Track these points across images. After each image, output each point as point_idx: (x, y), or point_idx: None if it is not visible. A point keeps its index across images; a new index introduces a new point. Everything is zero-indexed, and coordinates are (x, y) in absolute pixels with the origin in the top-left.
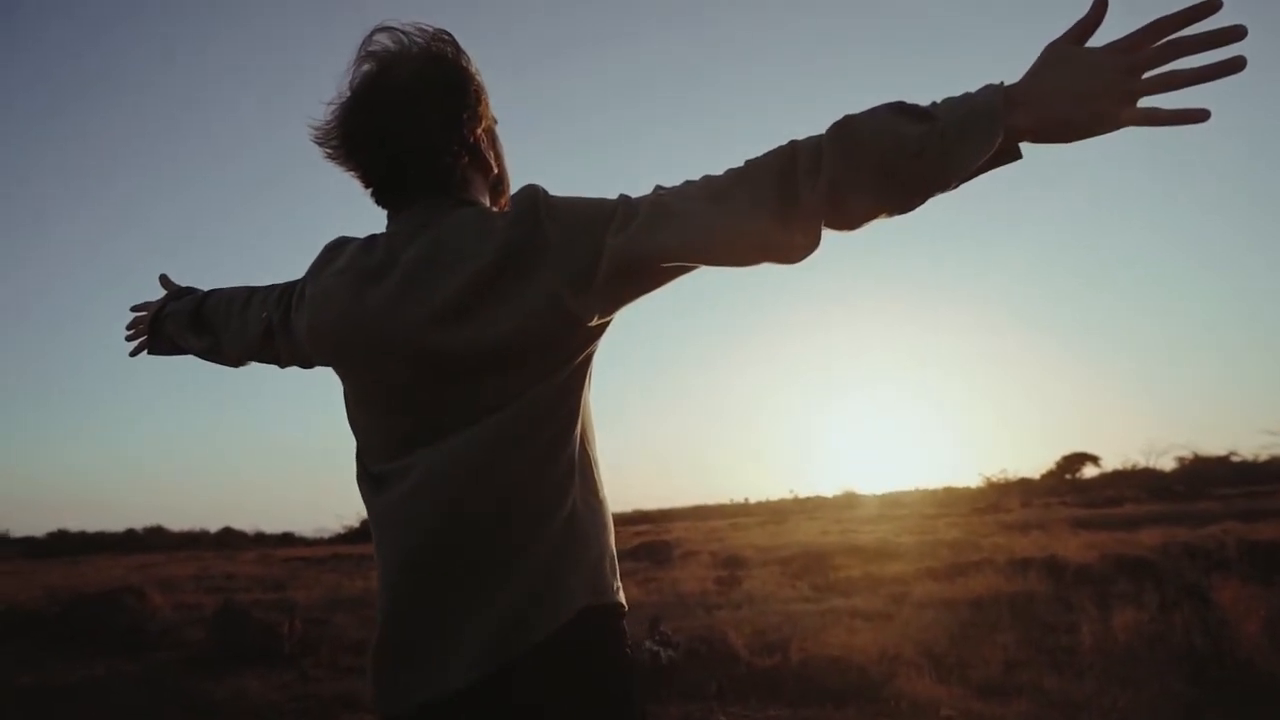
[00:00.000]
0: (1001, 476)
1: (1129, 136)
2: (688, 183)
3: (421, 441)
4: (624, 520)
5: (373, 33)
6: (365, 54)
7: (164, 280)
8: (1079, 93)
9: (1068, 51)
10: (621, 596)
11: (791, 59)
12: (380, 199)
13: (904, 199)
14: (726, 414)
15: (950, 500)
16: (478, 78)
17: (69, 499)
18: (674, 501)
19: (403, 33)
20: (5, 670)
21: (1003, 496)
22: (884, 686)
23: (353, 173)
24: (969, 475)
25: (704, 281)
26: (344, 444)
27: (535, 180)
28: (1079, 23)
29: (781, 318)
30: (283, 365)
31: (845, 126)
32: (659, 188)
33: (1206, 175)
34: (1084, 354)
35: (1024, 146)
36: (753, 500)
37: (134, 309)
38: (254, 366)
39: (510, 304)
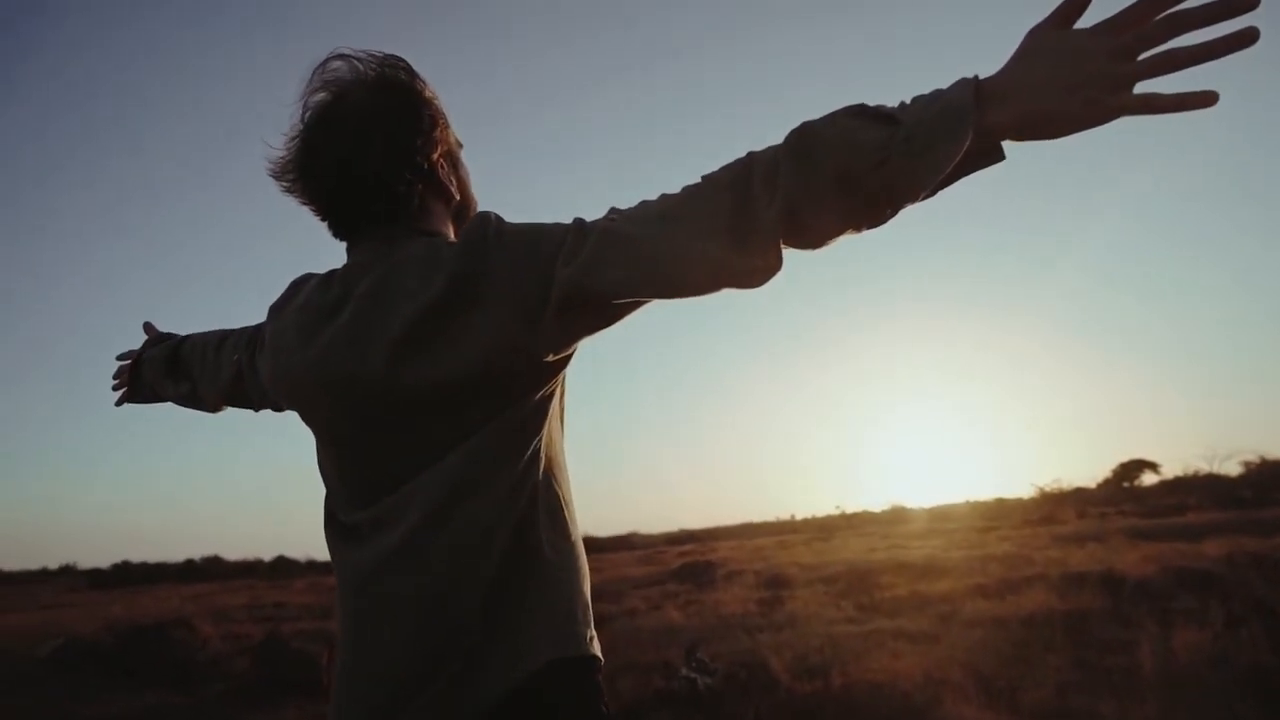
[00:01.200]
0: (1055, 486)
1: (1185, 128)
2: (643, 203)
3: (383, 489)
4: (669, 540)
5: (325, 61)
6: (317, 83)
7: (147, 327)
8: (1065, 81)
9: (1051, 36)
10: (596, 648)
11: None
12: (336, 232)
13: (870, 213)
14: (773, 429)
15: (1002, 512)
16: (435, 102)
17: (132, 531)
18: (720, 519)
19: (355, 60)
20: (64, 702)
21: (1057, 507)
22: (928, 713)
23: (308, 205)
24: (1021, 486)
25: (748, 295)
26: None
27: (582, 195)
28: (1063, 3)
29: (828, 331)
30: (256, 409)
31: (801, 136)
32: (613, 210)
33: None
34: (1140, 356)
35: (1011, 146)
36: (799, 517)
37: (119, 358)
38: None
39: (459, 340)
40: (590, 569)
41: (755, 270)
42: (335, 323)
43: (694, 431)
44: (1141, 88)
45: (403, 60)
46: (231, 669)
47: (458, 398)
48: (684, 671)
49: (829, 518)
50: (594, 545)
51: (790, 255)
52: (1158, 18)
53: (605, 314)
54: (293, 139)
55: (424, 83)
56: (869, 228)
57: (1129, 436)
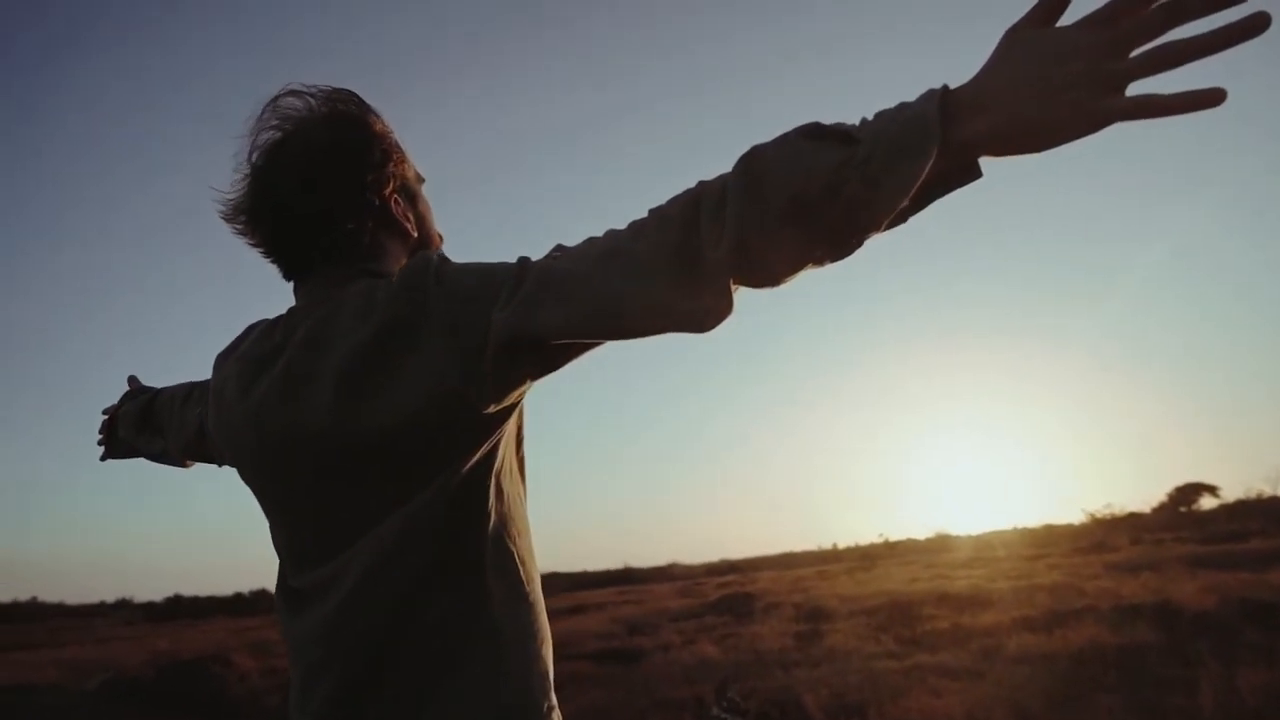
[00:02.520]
0: (1107, 511)
1: (1259, 134)
2: (588, 240)
3: (323, 554)
4: (710, 570)
5: (275, 97)
6: (266, 120)
7: (131, 380)
8: (1048, 85)
9: (1030, 35)
10: (556, 717)
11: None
12: (284, 273)
13: (831, 244)
14: (817, 456)
15: (1050, 539)
16: (389, 136)
17: (186, 565)
18: (763, 548)
19: (306, 95)
20: None
21: (1109, 533)
22: None
23: (256, 247)
24: (1071, 511)
25: (785, 320)
26: None
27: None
28: (1038, 4)
29: (872, 355)
30: (220, 465)
31: (749, 162)
32: (558, 247)
33: None
34: (1197, 374)
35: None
36: (842, 545)
37: (104, 412)
38: None
39: (394, 390)
40: (629, 601)
41: (701, 313)
42: (271, 372)
43: (737, 459)
44: (1136, 89)
45: (354, 94)
46: (267, 703)
47: (395, 453)
48: (715, 711)
49: (872, 546)
50: (634, 576)
51: (836, 280)
52: (1154, 5)
53: (547, 358)
54: (241, 179)
55: (377, 116)
56: (832, 260)
57: (1185, 459)
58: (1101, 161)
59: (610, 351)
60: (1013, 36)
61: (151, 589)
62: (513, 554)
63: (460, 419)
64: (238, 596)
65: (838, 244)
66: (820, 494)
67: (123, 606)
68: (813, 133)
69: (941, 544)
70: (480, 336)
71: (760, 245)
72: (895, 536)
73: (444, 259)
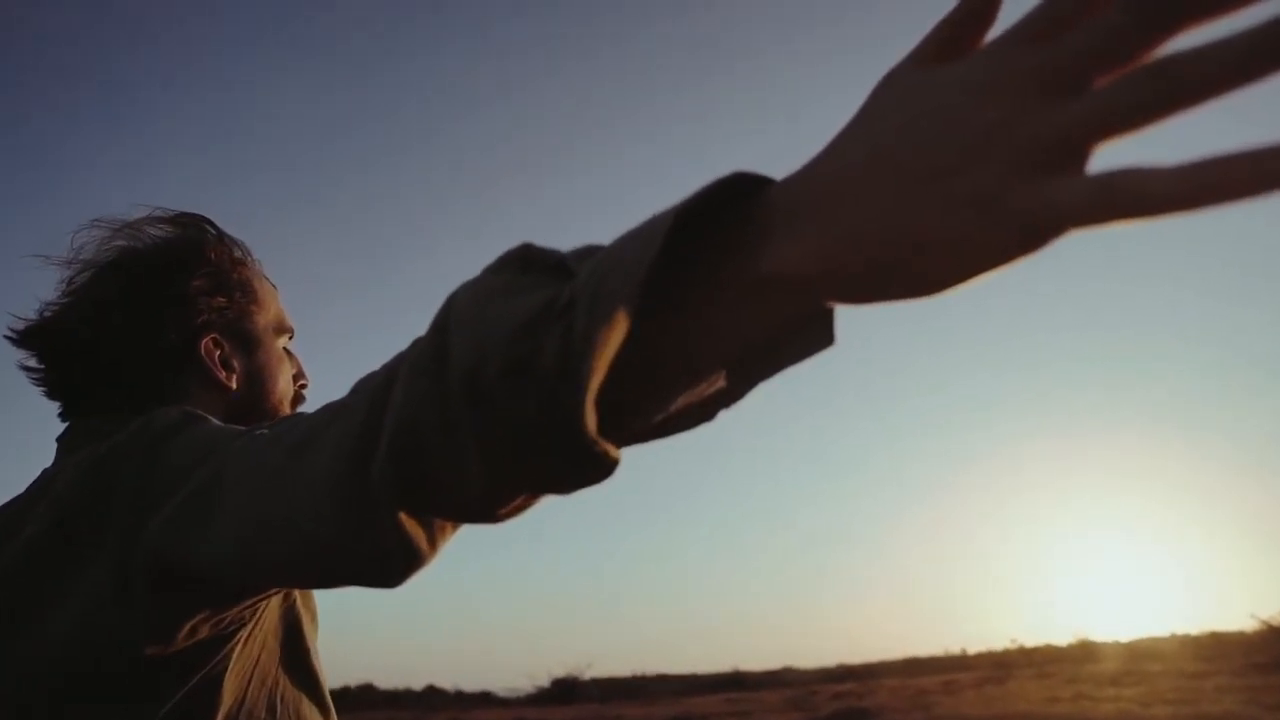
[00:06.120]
0: None
1: None
2: (293, 419)
3: None
4: (825, 676)
5: (87, 226)
6: (91, 244)
7: None
8: (922, 169)
9: (912, 80)
10: None
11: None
12: (60, 416)
13: (543, 463)
14: (944, 549)
15: (1219, 650)
16: (228, 273)
17: None
18: (884, 652)
19: (143, 220)
20: None
21: None
22: None
23: (33, 378)
24: (1240, 616)
25: (912, 404)
26: (532, 605)
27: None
28: (941, 21)
29: (1006, 440)
30: None
31: (441, 315)
32: (255, 430)
33: None
34: None
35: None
36: (971, 650)
37: None
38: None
39: (57, 608)
40: (737, 712)
41: (369, 558)
42: None
43: (858, 552)
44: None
45: (204, 220)
46: None
47: (64, 698)
48: None
49: (1005, 652)
50: (744, 681)
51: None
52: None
53: (220, 597)
54: (43, 306)
55: (225, 250)
56: (563, 488)
57: None
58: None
59: (720, 430)
60: (885, 84)
61: None
62: None
63: (123, 670)
64: (344, 690)
65: (555, 459)
66: (948, 591)
67: None
68: (517, 263)
69: (1085, 652)
70: (131, 554)
71: (440, 459)
72: (1031, 641)
73: (180, 424)
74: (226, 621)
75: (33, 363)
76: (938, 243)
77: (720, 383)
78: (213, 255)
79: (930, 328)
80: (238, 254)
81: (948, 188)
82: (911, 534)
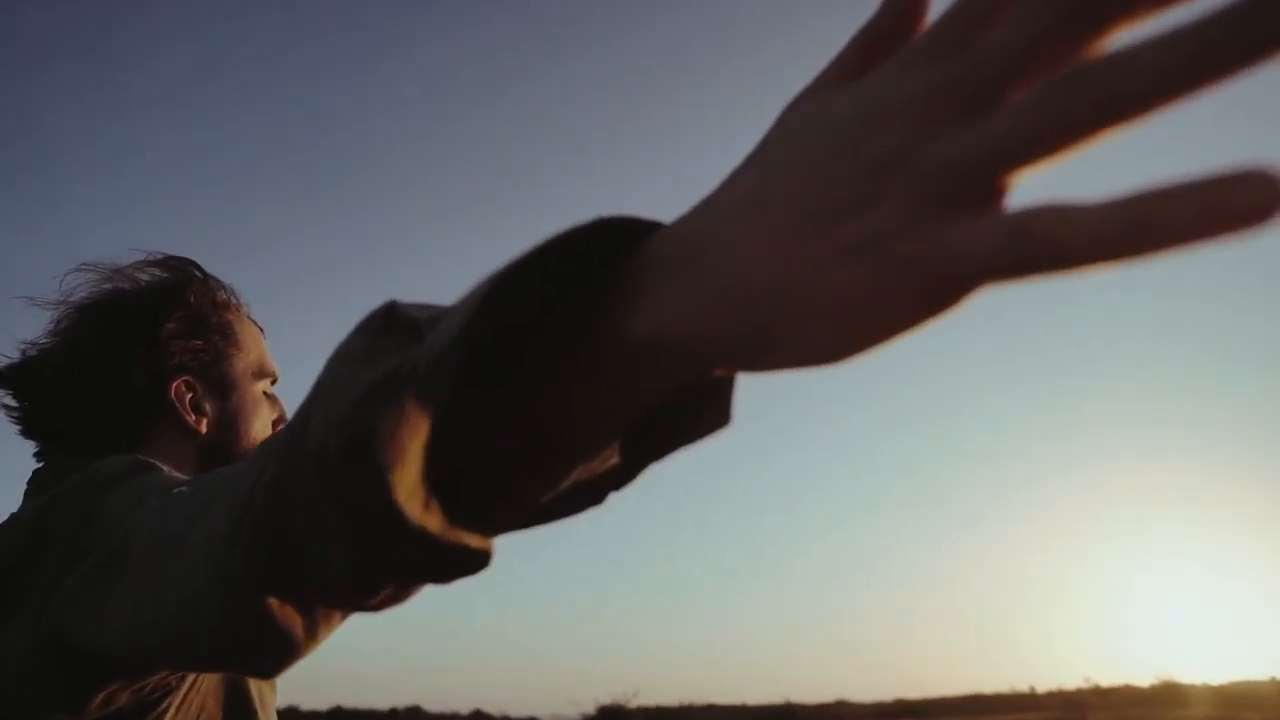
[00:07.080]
0: None
1: None
2: (215, 474)
3: None
4: (880, 712)
5: (76, 269)
6: (84, 288)
7: None
8: (802, 214)
9: (811, 106)
10: None
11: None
12: (35, 455)
13: (395, 561)
14: (1013, 580)
15: None
16: (209, 317)
17: (345, 677)
18: (945, 686)
19: (133, 262)
20: None
21: None
22: None
23: (11, 416)
24: None
25: (984, 429)
26: (580, 631)
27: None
28: (858, 30)
29: (1083, 469)
30: None
31: (324, 371)
32: (181, 486)
33: None
34: None
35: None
36: (1040, 689)
37: None
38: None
39: None
40: None
41: (238, 642)
42: None
43: (917, 580)
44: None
45: (188, 262)
46: None
47: None
48: None
49: (1078, 692)
50: (796, 714)
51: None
52: None
53: (128, 669)
54: (24, 346)
55: (205, 292)
56: (428, 578)
57: None
58: None
59: (781, 458)
60: (790, 108)
61: (316, 697)
62: None
63: None
64: (392, 712)
65: (400, 548)
66: (1017, 623)
67: (290, 714)
68: (380, 323)
69: (1168, 693)
70: (37, 615)
71: (296, 537)
72: (1108, 680)
73: (130, 471)
74: (149, 688)
75: (10, 401)
76: (820, 304)
77: (614, 459)
78: (192, 298)
79: (1004, 341)
80: (221, 297)
81: (831, 234)
82: (977, 561)
